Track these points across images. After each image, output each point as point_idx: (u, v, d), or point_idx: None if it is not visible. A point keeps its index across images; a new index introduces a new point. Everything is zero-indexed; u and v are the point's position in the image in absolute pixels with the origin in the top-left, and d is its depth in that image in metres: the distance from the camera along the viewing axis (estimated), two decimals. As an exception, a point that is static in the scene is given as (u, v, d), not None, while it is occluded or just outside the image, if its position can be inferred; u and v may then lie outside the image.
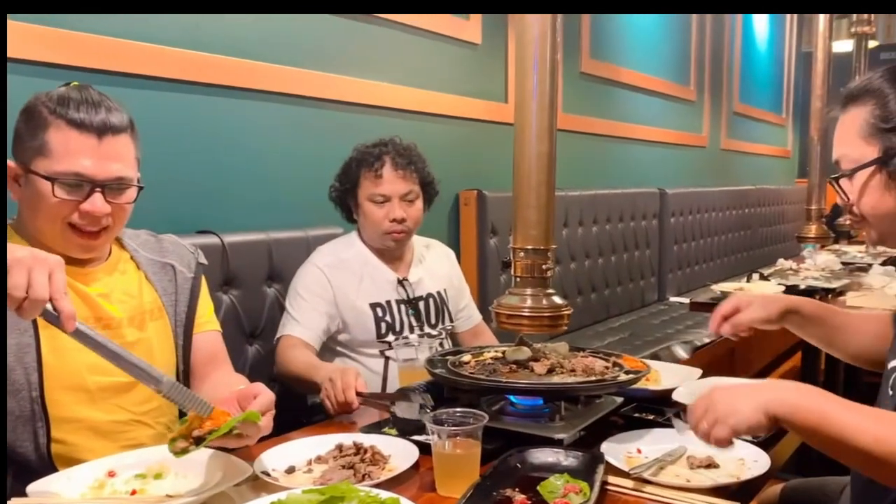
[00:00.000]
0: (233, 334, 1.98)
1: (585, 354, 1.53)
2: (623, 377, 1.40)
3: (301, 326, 1.94)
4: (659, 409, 1.51)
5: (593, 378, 1.38)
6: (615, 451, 1.29)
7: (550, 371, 1.39)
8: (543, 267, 1.41)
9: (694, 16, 5.12)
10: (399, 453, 1.29)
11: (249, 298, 2.08)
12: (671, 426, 1.41)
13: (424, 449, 1.28)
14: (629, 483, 1.19)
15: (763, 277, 3.16)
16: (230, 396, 1.25)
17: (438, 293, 2.14)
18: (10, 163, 1.34)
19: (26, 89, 1.39)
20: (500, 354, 1.52)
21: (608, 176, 4.18)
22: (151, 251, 1.53)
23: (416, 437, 1.34)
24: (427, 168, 2.09)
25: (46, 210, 1.31)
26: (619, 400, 1.51)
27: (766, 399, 1.06)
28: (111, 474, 1.21)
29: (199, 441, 1.14)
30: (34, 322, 1.29)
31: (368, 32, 2.64)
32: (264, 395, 1.24)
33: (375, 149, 2.03)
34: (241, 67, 2.20)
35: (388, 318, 2.03)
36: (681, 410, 1.39)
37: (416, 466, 1.25)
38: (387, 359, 2.01)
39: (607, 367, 1.45)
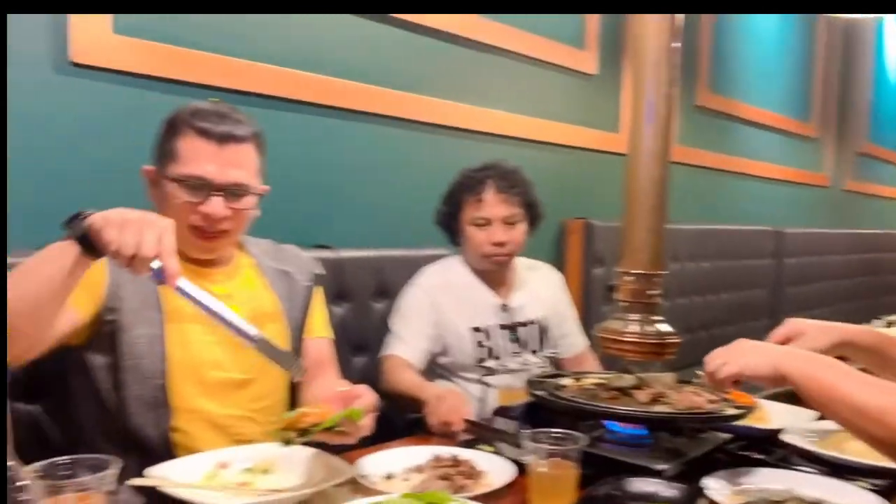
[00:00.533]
0: (341, 346, 2.03)
1: (692, 388, 1.49)
2: (730, 412, 1.36)
3: (405, 346, 1.96)
4: (767, 449, 1.45)
5: (698, 410, 1.34)
6: (718, 486, 1.24)
7: (654, 400, 1.36)
8: (650, 293, 1.39)
9: (820, 50, 4.94)
10: (495, 469, 1.30)
11: (359, 312, 2.14)
12: (779, 466, 1.36)
13: (522, 469, 1.27)
14: (731, 519, 1.15)
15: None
16: (335, 395, 1.30)
17: (541, 319, 2.12)
18: (148, 167, 1.47)
19: (167, 105, 1.51)
20: (602, 381, 1.51)
21: (721, 211, 4.06)
22: (272, 259, 1.61)
23: (514, 458, 1.34)
24: (531, 191, 2.07)
25: (172, 211, 1.41)
26: (726, 436, 1.46)
27: (782, 359, 1.17)
28: (223, 466, 1.27)
29: (304, 433, 1.19)
30: (163, 316, 1.39)
31: (484, 61, 2.70)
32: (367, 396, 1.28)
33: (479, 173, 2.03)
34: (365, 92, 2.30)
35: (488, 342, 2.03)
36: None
37: (511, 484, 1.25)
38: (486, 387, 2.02)
39: (713, 402, 1.41)
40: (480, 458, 1.35)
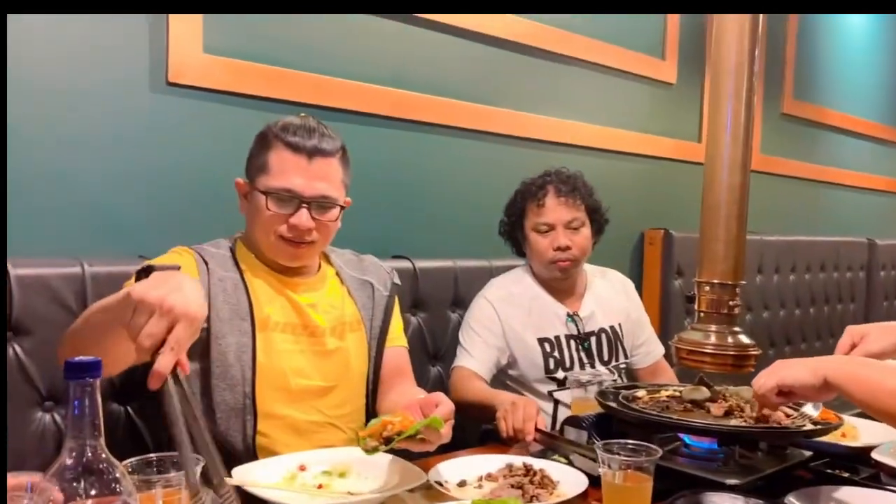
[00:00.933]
0: (418, 354, 2.07)
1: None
2: (807, 427, 1.31)
3: (473, 360, 1.97)
4: (855, 468, 1.39)
5: (775, 424, 1.30)
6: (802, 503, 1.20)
7: (728, 413, 1.32)
8: (731, 303, 1.35)
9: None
10: (568, 480, 1.30)
11: (435, 321, 2.17)
12: (868, 485, 1.30)
13: (594, 480, 1.27)
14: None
15: None
16: (413, 402, 1.31)
17: (612, 328, 2.09)
18: (240, 180, 1.53)
19: (255, 121, 1.58)
20: (677, 393, 1.48)
21: (809, 222, 3.91)
22: (354, 269, 1.66)
23: (586, 470, 1.33)
24: (594, 196, 2.06)
25: (262, 222, 1.47)
26: (808, 454, 1.41)
27: (821, 363, 1.19)
28: (302, 468, 1.31)
29: (388, 441, 1.21)
30: (252, 325, 1.44)
31: (563, 72, 2.70)
32: (445, 405, 1.29)
33: (539, 179, 2.03)
34: (439, 105, 2.34)
35: (556, 353, 2.01)
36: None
37: (584, 495, 1.25)
38: (556, 402, 1.99)
39: (792, 417, 1.36)
40: (553, 468, 1.34)
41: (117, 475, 0.77)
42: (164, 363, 0.98)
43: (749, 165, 1.37)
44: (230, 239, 1.57)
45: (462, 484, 1.30)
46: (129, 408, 1.64)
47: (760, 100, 3.48)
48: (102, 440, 0.77)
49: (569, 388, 1.88)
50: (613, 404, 1.41)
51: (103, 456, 0.76)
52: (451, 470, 1.34)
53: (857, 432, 1.55)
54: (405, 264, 2.10)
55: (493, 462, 1.38)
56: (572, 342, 2.03)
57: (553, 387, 1.98)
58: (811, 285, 3.63)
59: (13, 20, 1.59)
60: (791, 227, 3.68)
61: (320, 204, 1.47)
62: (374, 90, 2.18)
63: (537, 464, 1.35)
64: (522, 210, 2.05)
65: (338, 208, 1.51)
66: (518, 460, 1.36)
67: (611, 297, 2.14)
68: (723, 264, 1.37)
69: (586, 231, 2.03)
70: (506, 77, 2.54)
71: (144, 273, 1.08)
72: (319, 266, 1.61)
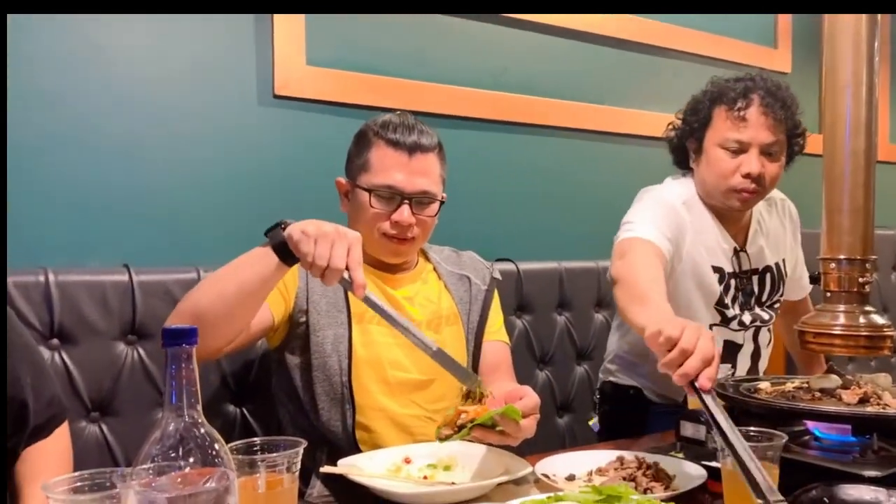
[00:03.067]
0: (524, 358, 2.03)
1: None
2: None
3: (652, 230, 1.57)
4: None
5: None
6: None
7: (863, 401, 1.20)
8: (861, 280, 1.23)
9: None
10: (685, 475, 1.22)
11: (540, 324, 2.12)
12: None
13: (714, 475, 1.18)
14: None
15: None
16: (499, 396, 1.26)
17: (776, 265, 1.82)
18: (341, 179, 1.56)
19: (354, 127, 1.59)
20: (804, 384, 1.37)
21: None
22: (452, 264, 1.65)
23: (705, 463, 1.25)
24: (799, 115, 1.69)
25: (365, 220, 1.48)
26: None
27: None
28: (407, 461, 1.30)
29: (459, 430, 1.18)
30: (349, 317, 1.46)
31: (667, 66, 2.62)
32: (529, 398, 1.25)
33: (739, 84, 1.66)
34: (540, 105, 2.32)
35: (720, 287, 1.73)
36: None
37: (702, 489, 1.17)
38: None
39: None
40: (668, 462, 1.27)
41: (216, 446, 0.77)
42: (361, 275, 1.19)
43: (875, 127, 1.25)
44: None
45: (571, 478, 1.25)
46: (244, 409, 1.69)
47: (887, 85, 3.25)
48: (200, 408, 0.77)
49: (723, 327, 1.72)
50: (735, 395, 1.31)
51: (200, 421, 0.76)
52: (560, 464, 1.28)
53: None
54: (509, 266, 2.06)
55: (603, 456, 1.31)
56: (733, 280, 1.74)
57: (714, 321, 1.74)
58: (958, 284, 3.31)
59: (123, 40, 1.72)
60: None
61: (420, 200, 1.48)
62: (475, 93, 2.18)
63: (651, 458, 1.27)
64: (709, 117, 1.69)
65: (437, 203, 1.51)
66: (630, 454, 1.30)
67: (778, 230, 1.86)
68: (849, 237, 1.24)
69: (781, 161, 1.69)
70: (607, 74, 2.48)
71: (277, 227, 1.24)
72: (417, 262, 1.61)
